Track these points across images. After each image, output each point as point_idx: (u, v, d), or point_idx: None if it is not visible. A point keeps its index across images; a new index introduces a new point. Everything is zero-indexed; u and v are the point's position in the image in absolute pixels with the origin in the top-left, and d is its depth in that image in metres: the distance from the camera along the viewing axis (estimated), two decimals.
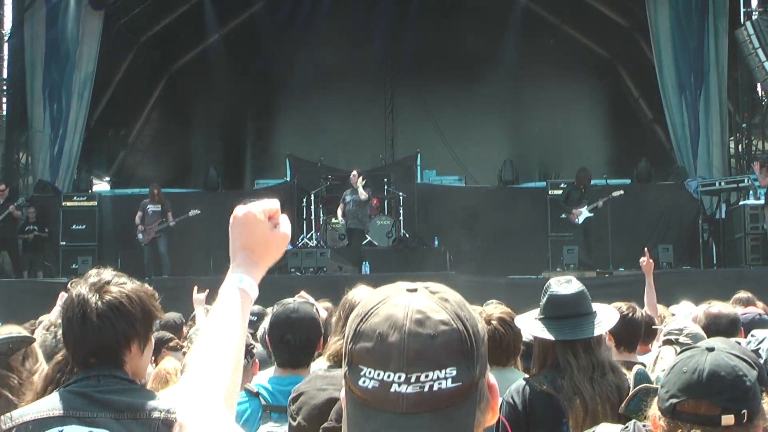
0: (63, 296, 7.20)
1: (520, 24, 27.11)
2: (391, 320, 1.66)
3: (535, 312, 4.65)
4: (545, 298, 4.59)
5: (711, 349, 2.68)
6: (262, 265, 2.30)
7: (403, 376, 1.63)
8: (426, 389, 1.64)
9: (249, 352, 5.22)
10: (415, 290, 1.72)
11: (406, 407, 1.64)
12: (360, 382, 1.67)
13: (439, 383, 1.64)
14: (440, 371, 1.64)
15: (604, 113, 29.38)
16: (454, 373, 1.65)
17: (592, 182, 20.66)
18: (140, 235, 19.86)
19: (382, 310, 1.69)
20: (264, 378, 4.92)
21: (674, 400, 2.61)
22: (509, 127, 28.70)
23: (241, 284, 2.23)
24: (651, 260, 8.65)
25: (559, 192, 21.15)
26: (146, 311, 3.35)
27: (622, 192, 19.81)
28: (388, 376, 1.64)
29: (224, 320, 2.19)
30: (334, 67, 27.98)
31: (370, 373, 1.66)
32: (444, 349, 1.65)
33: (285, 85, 28.32)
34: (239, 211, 2.28)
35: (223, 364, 2.09)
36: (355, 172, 19.82)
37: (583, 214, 19.72)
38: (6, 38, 24.39)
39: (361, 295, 4.50)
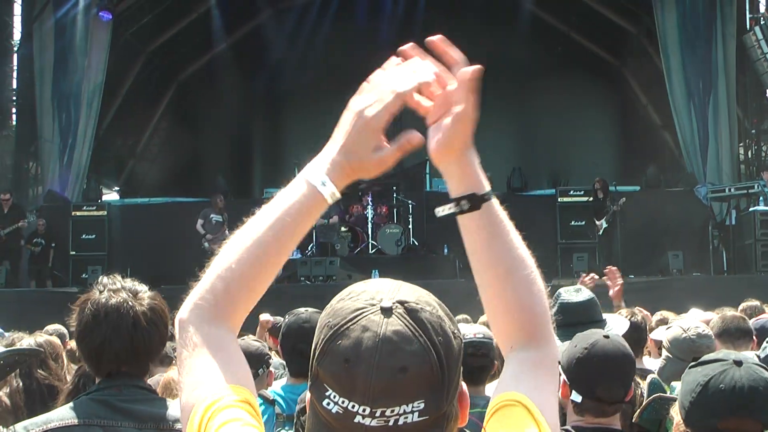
0: None
1: (527, 31, 27.09)
2: (360, 348, 1.60)
3: None
4: (556, 307, 4.58)
5: (739, 363, 2.61)
6: (348, 177, 1.95)
7: (368, 409, 1.59)
8: (391, 423, 1.60)
9: (264, 362, 5.22)
10: (389, 310, 1.64)
11: None
12: (324, 403, 1.63)
13: (405, 417, 1.60)
14: (407, 405, 1.60)
15: (612, 120, 29.34)
16: (422, 406, 1.60)
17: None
18: (206, 244, 19.91)
19: (353, 331, 1.62)
20: (277, 386, 4.93)
21: (716, 420, 2.53)
22: (517, 135, 28.67)
23: (314, 180, 1.92)
24: (617, 283, 8.30)
25: (568, 199, 21.24)
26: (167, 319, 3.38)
27: (623, 199, 19.93)
28: (353, 407, 1.60)
29: (262, 212, 1.94)
30: (342, 74, 27.91)
31: (334, 396, 1.62)
32: (413, 383, 1.60)
33: (293, 92, 28.32)
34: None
35: (227, 258, 1.91)
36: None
37: (602, 225, 19.93)
38: (15, 49, 24.46)
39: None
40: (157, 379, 6.64)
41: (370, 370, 1.58)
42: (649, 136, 28.04)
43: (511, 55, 26.95)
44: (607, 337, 3.56)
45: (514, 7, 27.26)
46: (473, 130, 1.94)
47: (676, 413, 2.67)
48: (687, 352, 5.34)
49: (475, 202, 1.97)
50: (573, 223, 20.97)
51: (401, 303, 1.66)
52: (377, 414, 1.59)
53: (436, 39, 1.96)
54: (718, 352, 2.85)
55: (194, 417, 1.76)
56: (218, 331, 1.88)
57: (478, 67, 1.91)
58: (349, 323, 1.63)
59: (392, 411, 1.59)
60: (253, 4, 27.94)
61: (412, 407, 1.60)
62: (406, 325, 1.62)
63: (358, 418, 1.60)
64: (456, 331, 1.71)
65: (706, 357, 2.71)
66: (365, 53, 27.99)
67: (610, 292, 7.90)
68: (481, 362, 4.50)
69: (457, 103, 1.90)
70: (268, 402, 4.67)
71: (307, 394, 1.72)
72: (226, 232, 19.80)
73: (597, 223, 20.24)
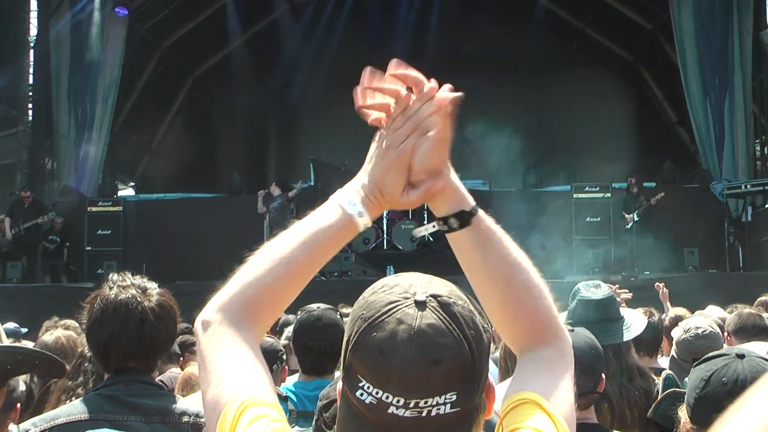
0: None
1: (542, 27, 27.04)
2: (395, 341, 1.63)
3: (563, 316, 4.60)
4: (574, 303, 4.56)
5: (741, 356, 2.61)
6: (381, 208, 1.98)
7: (402, 400, 1.63)
8: (424, 414, 1.63)
9: (278, 358, 5.23)
10: (424, 304, 1.68)
11: (402, 430, 1.64)
12: (357, 393, 1.66)
13: (438, 408, 1.64)
14: (440, 397, 1.63)
15: (628, 116, 29.23)
16: (454, 398, 1.64)
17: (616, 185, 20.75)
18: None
19: (388, 324, 1.65)
20: (289, 383, 4.93)
21: (720, 413, 2.50)
22: (533, 131, 28.58)
23: (351, 209, 1.95)
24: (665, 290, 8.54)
25: (583, 195, 21.18)
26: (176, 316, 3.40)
27: (662, 194, 19.89)
28: (387, 397, 1.63)
29: (294, 230, 1.97)
30: (357, 70, 27.87)
31: (368, 387, 1.65)
32: (446, 375, 1.63)
33: (308, 89, 28.31)
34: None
35: (256, 266, 1.97)
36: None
37: (633, 219, 19.94)
38: (32, 45, 24.54)
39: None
40: (170, 375, 6.66)
41: (405, 362, 1.62)
42: (665, 133, 27.96)
43: (526, 52, 26.90)
44: (571, 330, 3.54)
45: (528, 3, 27.22)
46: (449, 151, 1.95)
47: (683, 413, 2.66)
48: (686, 354, 5.34)
49: (464, 218, 1.98)
50: (588, 219, 20.91)
51: (434, 297, 1.70)
52: (411, 405, 1.63)
53: (394, 66, 2.06)
54: (723, 349, 2.84)
55: (226, 415, 1.77)
56: (245, 334, 1.91)
57: (458, 94, 1.96)
58: (384, 316, 1.67)
59: (425, 402, 1.63)
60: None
61: (445, 399, 1.64)
62: (439, 319, 1.66)
63: (391, 409, 1.63)
64: (485, 325, 1.75)
65: (710, 353, 2.72)
66: (380, 48, 28.07)
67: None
68: None
69: (431, 127, 1.92)
70: (281, 398, 4.66)
71: (338, 386, 1.76)
72: (287, 216, 19.69)
73: (627, 216, 20.18)
